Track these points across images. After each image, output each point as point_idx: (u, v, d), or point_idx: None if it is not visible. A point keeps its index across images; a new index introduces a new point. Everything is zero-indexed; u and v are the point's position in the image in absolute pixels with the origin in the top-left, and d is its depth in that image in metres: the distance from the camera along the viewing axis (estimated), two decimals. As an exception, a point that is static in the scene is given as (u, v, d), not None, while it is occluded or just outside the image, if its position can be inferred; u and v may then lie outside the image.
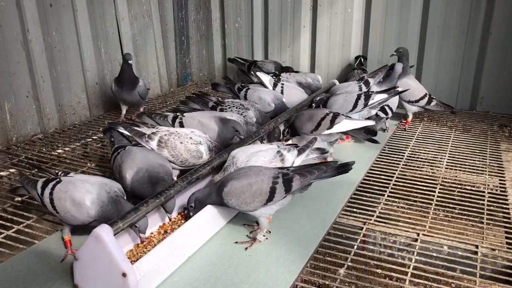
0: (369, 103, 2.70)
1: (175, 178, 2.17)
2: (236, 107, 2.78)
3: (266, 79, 3.28)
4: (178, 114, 2.58)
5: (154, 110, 3.65)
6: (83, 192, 1.65)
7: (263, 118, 2.82)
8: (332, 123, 2.42)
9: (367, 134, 2.52)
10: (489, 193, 2.25)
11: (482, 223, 1.99)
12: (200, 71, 4.79)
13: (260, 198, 1.70)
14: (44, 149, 2.83)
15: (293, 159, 1.99)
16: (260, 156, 1.97)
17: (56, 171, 1.92)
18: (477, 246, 1.80)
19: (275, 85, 3.23)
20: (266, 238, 1.79)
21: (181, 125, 2.48)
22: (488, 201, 2.17)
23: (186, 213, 1.88)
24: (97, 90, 3.53)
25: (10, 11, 2.82)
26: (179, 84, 4.56)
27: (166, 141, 2.14)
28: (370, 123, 2.46)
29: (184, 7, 4.42)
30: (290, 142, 2.52)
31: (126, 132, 2.24)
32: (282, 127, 2.68)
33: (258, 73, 3.36)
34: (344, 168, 1.77)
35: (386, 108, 2.88)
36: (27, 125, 3.02)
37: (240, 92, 3.13)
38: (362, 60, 3.78)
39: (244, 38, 4.44)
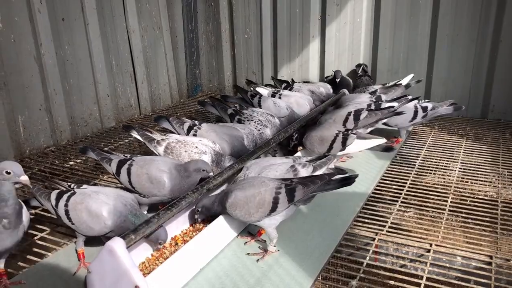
0: None
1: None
2: (255, 122, 2.72)
3: (265, 92, 3.36)
4: (196, 122, 2.56)
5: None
6: (100, 203, 1.67)
7: None
8: (344, 145, 2.39)
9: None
10: (502, 202, 2.23)
11: (496, 233, 1.97)
12: (210, 82, 4.83)
13: (263, 209, 1.70)
14: (56, 161, 2.87)
15: (307, 175, 1.98)
16: (272, 169, 1.97)
17: (69, 184, 1.93)
18: (491, 257, 1.78)
19: (273, 96, 3.25)
20: (278, 250, 1.79)
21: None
22: (501, 210, 2.14)
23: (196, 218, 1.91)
24: (108, 102, 3.57)
25: (24, 26, 2.87)
26: (189, 95, 4.59)
27: (173, 148, 2.20)
28: (382, 141, 2.42)
29: (194, 19, 4.47)
30: (298, 153, 2.52)
31: (138, 137, 2.33)
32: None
33: (257, 88, 3.42)
34: (347, 180, 1.75)
35: None
36: (40, 138, 3.06)
37: (253, 99, 3.14)
38: (365, 67, 3.79)
39: (253, 49, 4.47)
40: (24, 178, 1.51)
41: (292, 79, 4.06)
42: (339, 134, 2.41)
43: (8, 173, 1.48)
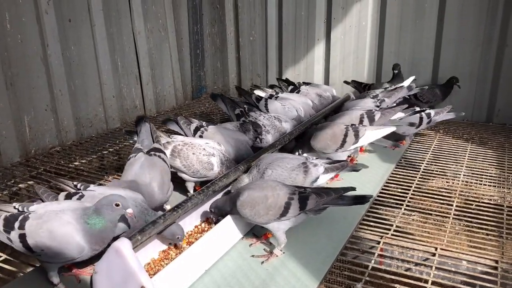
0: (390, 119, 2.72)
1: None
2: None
3: (262, 94, 3.37)
4: (203, 123, 2.57)
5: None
6: None
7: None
8: (357, 137, 2.42)
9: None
10: (508, 206, 2.22)
11: (502, 237, 1.96)
12: (214, 84, 4.84)
13: (273, 212, 1.70)
14: (62, 162, 2.88)
15: (317, 174, 1.99)
16: (283, 161, 1.98)
17: (75, 183, 1.94)
18: (497, 261, 1.77)
19: (270, 97, 3.26)
20: (283, 253, 1.79)
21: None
22: (507, 215, 2.14)
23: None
24: (113, 103, 3.58)
25: (31, 26, 2.89)
26: (194, 96, 4.60)
27: (179, 151, 2.19)
28: (393, 129, 2.46)
29: (199, 21, 4.48)
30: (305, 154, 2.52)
31: None
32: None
33: (255, 91, 3.42)
34: (361, 199, 1.80)
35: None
36: (45, 138, 3.07)
37: (259, 102, 3.13)
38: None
39: (258, 51, 4.48)
40: (130, 211, 1.56)
41: (298, 82, 4.04)
42: (349, 128, 2.45)
43: (117, 205, 1.53)
